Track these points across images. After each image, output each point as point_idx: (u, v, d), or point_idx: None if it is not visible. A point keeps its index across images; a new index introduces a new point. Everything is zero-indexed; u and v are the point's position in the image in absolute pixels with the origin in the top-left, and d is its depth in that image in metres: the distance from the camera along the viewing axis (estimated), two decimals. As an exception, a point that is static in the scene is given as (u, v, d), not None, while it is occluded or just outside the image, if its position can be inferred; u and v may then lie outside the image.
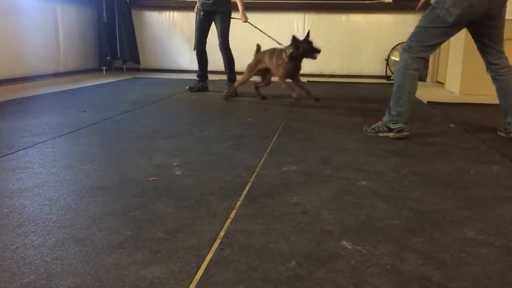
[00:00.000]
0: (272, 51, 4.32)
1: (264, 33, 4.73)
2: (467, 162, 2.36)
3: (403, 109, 2.79)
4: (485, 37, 2.81)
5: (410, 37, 2.79)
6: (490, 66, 2.90)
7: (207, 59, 5.00)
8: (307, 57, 4.19)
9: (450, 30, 2.70)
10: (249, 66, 4.49)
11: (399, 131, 2.82)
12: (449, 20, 2.62)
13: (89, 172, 2.07)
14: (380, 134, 2.86)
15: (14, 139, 2.65)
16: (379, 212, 1.66)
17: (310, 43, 4.16)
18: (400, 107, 2.79)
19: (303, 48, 4.13)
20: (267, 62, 4.34)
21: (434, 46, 2.80)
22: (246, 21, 4.76)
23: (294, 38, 4.15)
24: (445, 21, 2.63)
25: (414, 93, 2.82)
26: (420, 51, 2.75)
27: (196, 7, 4.87)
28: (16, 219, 1.54)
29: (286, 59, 4.17)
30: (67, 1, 6.30)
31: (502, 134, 2.96)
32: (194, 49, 5.01)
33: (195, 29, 4.88)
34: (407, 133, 2.83)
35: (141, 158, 2.32)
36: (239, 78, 4.63)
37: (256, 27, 4.83)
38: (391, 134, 2.83)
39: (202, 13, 4.73)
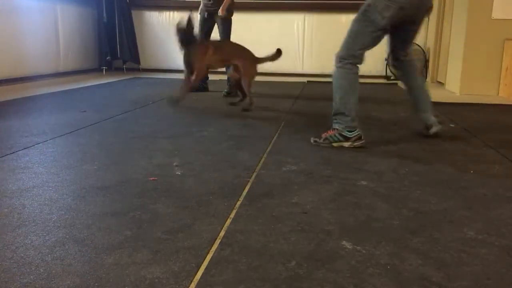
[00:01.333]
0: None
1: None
2: (467, 162, 2.36)
3: (354, 113, 2.60)
4: (401, 39, 2.86)
5: (342, 46, 2.66)
6: (395, 61, 3.03)
7: None
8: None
9: (381, 33, 2.63)
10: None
11: (357, 139, 2.60)
12: (381, 23, 2.54)
13: (89, 172, 2.07)
14: (334, 144, 2.60)
15: (14, 139, 2.65)
16: (379, 212, 1.66)
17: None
18: (350, 111, 2.59)
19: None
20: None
21: (366, 49, 2.65)
22: (221, 16, 4.59)
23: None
24: (378, 24, 2.55)
25: (357, 96, 2.66)
26: (355, 57, 2.62)
27: (200, 8, 4.88)
28: (16, 219, 1.54)
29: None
30: (67, 1, 6.30)
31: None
32: None
33: (198, 30, 4.89)
34: (364, 141, 2.61)
35: (141, 158, 2.32)
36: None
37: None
38: (346, 144, 2.59)
39: (204, 13, 4.75)
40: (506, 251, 1.37)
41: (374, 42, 2.63)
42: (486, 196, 1.85)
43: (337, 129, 2.63)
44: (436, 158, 2.44)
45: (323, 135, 2.67)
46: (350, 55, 2.61)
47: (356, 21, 2.66)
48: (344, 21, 7.04)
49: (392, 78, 6.73)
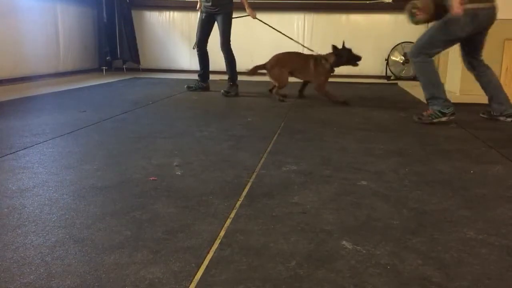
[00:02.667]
0: (307, 57, 4.47)
1: (280, 32, 4.80)
2: (467, 162, 2.36)
3: (444, 94, 3.27)
4: (474, 46, 3.36)
5: (419, 46, 3.21)
6: (469, 64, 3.54)
7: (208, 59, 5.00)
8: (350, 64, 4.42)
9: (456, 42, 3.26)
10: (278, 70, 4.48)
11: (451, 114, 3.26)
12: (460, 35, 3.12)
13: (89, 172, 2.07)
14: (435, 120, 3.25)
15: (14, 139, 2.65)
16: (379, 212, 1.66)
17: (350, 51, 4.36)
18: (440, 93, 3.25)
19: (347, 56, 4.32)
20: (297, 67, 4.45)
21: (439, 52, 3.37)
22: (255, 17, 4.80)
23: (335, 47, 4.32)
24: (456, 35, 3.13)
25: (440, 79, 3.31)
26: (429, 55, 3.25)
27: (198, 6, 4.88)
28: (16, 219, 1.54)
29: (328, 67, 4.32)
30: (67, 1, 6.30)
31: (485, 116, 3.58)
32: (194, 48, 5.00)
33: (197, 29, 4.89)
34: (455, 115, 3.29)
35: (141, 158, 2.32)
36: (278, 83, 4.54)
37: (267, 24, 4.87)
38: (444, 118, 3.25)
39: (204, 14, 4.74)
40: (506, 251, 1.37)
41: (447, 47, 3.35)
42: (486, 196, 1.85)
43: (433, 109, 3.27)
44: (436, 158, 2.44)
45: (425, 113, 3.29)
46: (426, 53, 3.20)
47: (436, 29, 3.14)
48: (344, 21, 7.06)
49: (392, 78, 6.73)
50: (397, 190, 1.91)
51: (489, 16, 3.06)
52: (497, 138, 2.92)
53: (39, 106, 3.86)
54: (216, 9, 4.63)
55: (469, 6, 2.97)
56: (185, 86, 5.09)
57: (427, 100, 3.35)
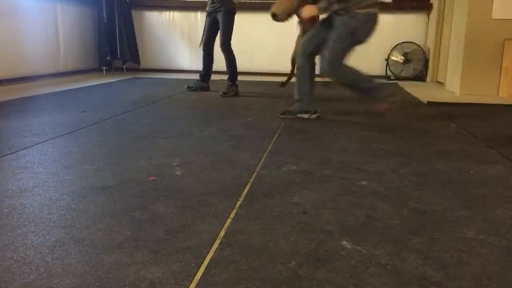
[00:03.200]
0: None
1: None
2: (467, 162, 2.36)
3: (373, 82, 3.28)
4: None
5: (331, 58, 3.18)
6: (308, 61, 3.47)
7: (213, 60, 4.98)
8: None
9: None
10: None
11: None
12: (365, 40, 3.21)
13: (89, 172, 2.07)
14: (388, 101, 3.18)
15: (14, 139, 2.65)
16: (379, 212, 1.66)
17: None
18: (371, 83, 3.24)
19: None
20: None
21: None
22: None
23: None
24: (362, 40, 3.22)
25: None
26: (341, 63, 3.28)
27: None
28: (16, 219, 1.54)
29: None
30: (67, 1, 6.30)
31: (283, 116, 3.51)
32: (200, 46, 4.99)
33: (204, 32, 4.90)
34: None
35: (141, 158, 2.32)
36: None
37: None
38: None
39: (208, 14, 4.75)
40: (506, 251, 1.37)
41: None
42: (486, 196, 1.85)
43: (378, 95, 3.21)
44: (436, 158, 2.44)
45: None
46: (341, 64, 3.22)
47: (342, 42, 3.14)
48: (344, 21, 7.05)
49: (392, 78, 6.73)
50: (397, 190, 1.91)
51: (377, 20, 3.14)
52: (497, 138, 2.92)
53: (39, 106, 3.86)
54: (217, 6, 4.61)
55: (372, 11, 3.06)
56: (185, 86, 5.09)
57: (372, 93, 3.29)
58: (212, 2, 4.64)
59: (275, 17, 3.40)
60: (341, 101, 4.64)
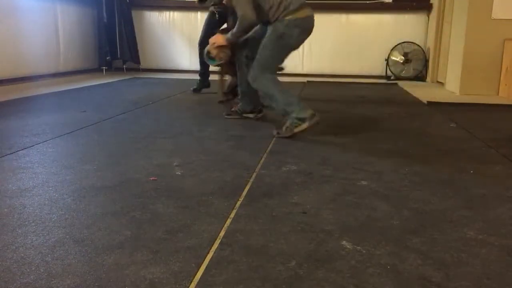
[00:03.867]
0: None
1: None
2: (467, 162, 2.36)
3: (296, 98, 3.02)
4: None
5: (259, 62, 3.01)
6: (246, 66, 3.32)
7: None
8: None
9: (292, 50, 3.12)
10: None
11: (312, 117, 2.95)
12: (296, 45, 3.07)
13: (89, 172, 2.07)
14: (296, 130, 2.84)
15: (14, 139, 2.65)
16: (379, 212, 1.66)
17: None
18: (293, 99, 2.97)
19: None
20: None
21: (280, 63, 3.21)
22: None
23: None
24: (292, 46, 3.05)
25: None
26: (272, 70, 3.08)
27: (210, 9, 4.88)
28: (16, 219, 1.54)
29: None
30: (67, 1, 6.30)
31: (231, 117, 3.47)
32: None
33: (205, 30, 4.90)
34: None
35: (141, 158, 2.32)
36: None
37: None
38: (304, 125, 2.85)
39: (217, 15, 4.74)
40: (506, 251, 1.37)
41: (285, 58, 3.15)
42: (486, 196, 1.85)
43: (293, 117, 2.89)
44: (436, 158, 2.44)
45: (283, 127, 2.89)
46: (270, 72, 3.04)
47: (273, 48, 3.00)
48: (344, 21, 7.06)
49: (392, 78, 6.73)
50: (397, 190, 1.91)
51: (311, 23, 3.04)
52: (497, 138, 2.92)
53: (39, 106, 3.86)
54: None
55: (298, 16, 2.95)
56: (191, 89, 5.06)
57: (283, 112, 2.98)
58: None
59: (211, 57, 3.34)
60: (341, 101, 4.64)
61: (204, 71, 5.04)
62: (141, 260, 1.27)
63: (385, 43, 6.78)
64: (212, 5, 4.72)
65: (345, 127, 3.22)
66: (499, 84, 4.90)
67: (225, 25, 4.56)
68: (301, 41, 3.08)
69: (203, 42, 4.83)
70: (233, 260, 1.28)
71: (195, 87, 5.06)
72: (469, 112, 3.95)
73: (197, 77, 5.13)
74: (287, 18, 2.96)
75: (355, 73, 7.00)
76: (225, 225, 1.52)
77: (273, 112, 3.25)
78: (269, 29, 3.04)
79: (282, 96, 2.94)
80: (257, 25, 3.14)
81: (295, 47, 3.08)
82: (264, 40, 3.02)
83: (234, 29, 3.06)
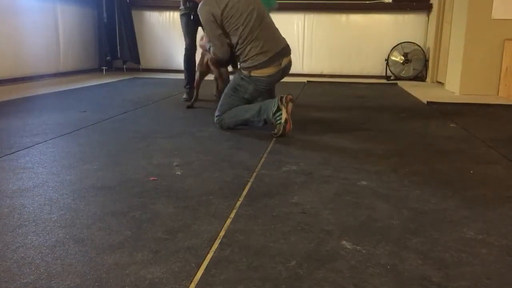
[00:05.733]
0: None
1: None
2: (467, 162, 2.36)
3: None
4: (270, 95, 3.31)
5: (222, 107, 3.07)
6: None
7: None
8: None
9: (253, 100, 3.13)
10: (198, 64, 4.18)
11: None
12: (251, 98, 3.06)
13: (89, 172, 2.07)
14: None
15: (14, 139, 2.65)
16: (379, 212, 1.66)
17: None
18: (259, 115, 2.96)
19: None
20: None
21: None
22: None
23: None
24: (247, 98, 3.05)
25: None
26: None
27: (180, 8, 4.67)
28: (16, 219, 1.54)
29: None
30: (67, 1, 6.30)
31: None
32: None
33: (187, 31, 4.82)
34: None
35: (141, 158, 2.32)
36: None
37: None
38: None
39: (192, 15, 4.54)
40: (506, 251, 1.37)
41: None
42: (486, 196, 1.85)
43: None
44: (436, 158, 2.44)
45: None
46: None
47: (230, 96, 3.07)
48: (344, 21, 7.06)
49: (392, 78, 6.74)
50: (397, 190, 1.91)
51: (277, 77, 3.02)
52: (497, 138, 2.92)
53: (39, 106, 3.86)
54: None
55: (259, 75, 2.95)
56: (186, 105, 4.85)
57: (267, 121, 2.95)
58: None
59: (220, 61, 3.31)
60: (341, 101, 4.64)
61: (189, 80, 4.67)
62: (141, 260, 1.27)
63: (385, 43, 6.79)
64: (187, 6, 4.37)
65: (345, 127, 3.22)
66: (499, 84, 4.90)
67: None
68: (261, 92, 3.05)
69: (191, 48, 4.67)
70: (233, 260, 1.28)
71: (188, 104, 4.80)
72: (469, 112, 3.95)
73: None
74: (246, 72, 2.95)
75: (355, 73, 7.01)
76: (225, 225, 1.52)
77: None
78: (234, 77, 3.10)
79: (250, 113, 2.96)
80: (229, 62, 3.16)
81: (251, 100, 3.06)
82: (227, 87, 3.12)
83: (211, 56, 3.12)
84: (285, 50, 3.05)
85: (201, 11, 2.98)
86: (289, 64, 3.08)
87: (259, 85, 2.99)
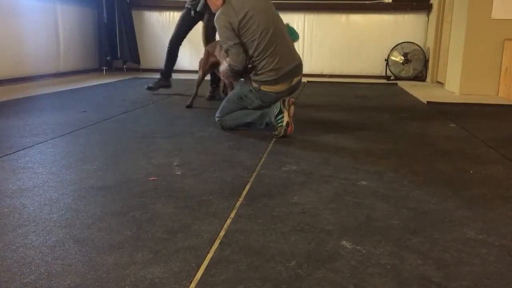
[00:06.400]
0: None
1: None
2: (467, 162, 2.36)
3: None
4: None
5: (223, 110, 3.09)
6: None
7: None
8: None
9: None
10: (201, 61, 4.12)
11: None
12: (258, 107, 3.03)
13: (89, 172, 2.07)
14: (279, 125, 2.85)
15: (14, 139, 2.65)
16: (379, 212, 1.66)
17: None
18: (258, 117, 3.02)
19: None
20: (217, 55, 3.90)
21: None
22: None
23: None
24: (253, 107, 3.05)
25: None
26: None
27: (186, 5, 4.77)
28: (16, 219, 1.54)
29: None
30: (67, 1, 6.30)
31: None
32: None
33: (179, 28, 4.87)
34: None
35: (141, 158, 2.32)
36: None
37: None
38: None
39: (192, 12, 4.61)
40: (506, 251, 1.37)
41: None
42: (486, 196, 1.86)
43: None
44: (436, 158, 2.44)
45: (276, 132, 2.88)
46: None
47: (233, 102, 3.08)
48: (344, 21, 7.06)
49: (392, 78, 6.74)
50: (397, 190, 1.91)
51: (285, 93, 2.97)
52: (497, 138, 2.92)
53: (39, 106, 3.86)
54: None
55: (264, 88, 2.94)
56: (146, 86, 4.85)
57: (269, 124, 3.01)
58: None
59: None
60: (341, 101, 4.64)
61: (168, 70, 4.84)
62: (141, 260, 1.27)
63: (385, 43, 6.78)
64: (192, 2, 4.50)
65: (345, 127, 3.22)
66: (499, 84, 4.90)
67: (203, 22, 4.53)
68: (265, 107, 3.02)
69: (176, 41, 4.77)
70: (233, 260, 1.28)
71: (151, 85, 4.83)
72: (469, 112, 3.95)
73: (196, 77, 5.09)
74: (256, 85, 2.94)
75: (355, 73, 7.00)
76: (225, 225, 1.52)
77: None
78: (240, 84, 3.09)
79: (252, 116, 2.99)
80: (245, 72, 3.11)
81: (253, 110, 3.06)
82: (231, 92, 3.14)
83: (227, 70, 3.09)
84: (298, 69, 3.05)
85: (218, 19, 2.94)
86: (299, 82, 3.10)
87: (265, 101, 2.98)
